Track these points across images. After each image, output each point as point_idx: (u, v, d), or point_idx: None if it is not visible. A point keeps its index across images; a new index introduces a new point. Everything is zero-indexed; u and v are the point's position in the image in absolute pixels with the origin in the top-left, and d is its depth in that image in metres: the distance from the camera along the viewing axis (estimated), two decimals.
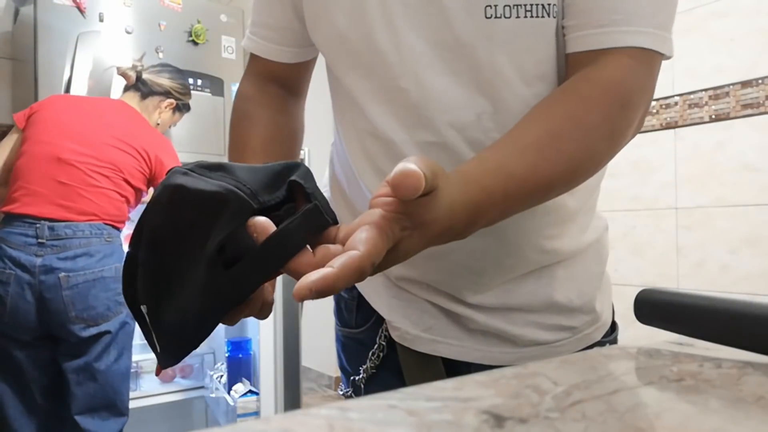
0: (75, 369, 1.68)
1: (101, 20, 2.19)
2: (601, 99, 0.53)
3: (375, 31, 0.60)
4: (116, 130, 1.77)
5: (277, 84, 0.75)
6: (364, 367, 0.74)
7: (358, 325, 0.76)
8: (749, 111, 1.88)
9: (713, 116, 1.97)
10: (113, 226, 1.73)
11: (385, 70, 0.60)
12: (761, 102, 1.85)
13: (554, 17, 0.56)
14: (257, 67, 0.75)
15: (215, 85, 2.44)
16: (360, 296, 0.74)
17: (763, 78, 1.84)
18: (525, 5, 0.55)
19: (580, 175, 0.54)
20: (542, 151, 0.50)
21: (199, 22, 2.40)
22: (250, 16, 0.75)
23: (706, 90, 1.96)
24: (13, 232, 1.62)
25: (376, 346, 0.73)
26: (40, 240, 1.62)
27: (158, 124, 1.94)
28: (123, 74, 1.92)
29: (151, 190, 1.87)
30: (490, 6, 0.55)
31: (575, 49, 0.56)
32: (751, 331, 0.40)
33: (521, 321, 0.66)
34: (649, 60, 0.55)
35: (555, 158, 0.50)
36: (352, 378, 0.76)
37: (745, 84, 1.88)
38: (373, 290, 0.72)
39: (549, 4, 0.55)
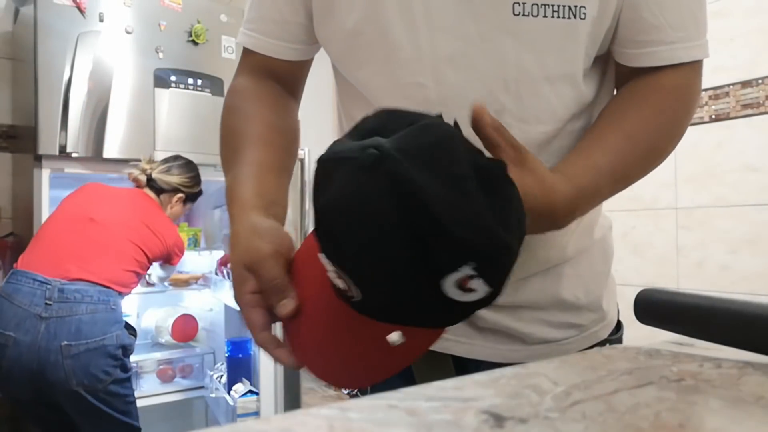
0: (82, 421, 1.70)
1: (101, 20, 2.19)
2: (671, 106, 0.62)
3: (391, 24, 0.59)
4: (145, 215, 1.92)
5: (274, 80, 0.72)
6: None
7: None
8: (749, 111, 1.88)
9: (713, 116, 1.97)
10: (119, 293, 1.76)
11: (402, 66, 0.60)
12: (761, 102, 1.85)
13: (582, 19, 0.58)
14: (253, 63, 0.71)
15: (215, 85, 2.44)
16: None
17: (763, 78, 1.84)
18: (552, 5, 0.56)
19: (650, 169, 0.63)
20: (621, 152, 0.59)
21: (199, 22, 2.40)
22: (247, 8, 0.71)
23: (706, 90, 1.96)
24: (22, 290, 1.60)
25: None
26: (47, 301, 1.59)
27: (171, 216, 2.08)
28: (134, 180, 2.04)
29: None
30: (518, 3, 0.56)
31: (646, 63, 0.62)
32: (751, 331, 0.40)
33: (530, 318, 0.67)
34: (701, 66, 0.64)
35: (632, 157, 0.60)
36: None
37: (745, 84, 1.88)
38: None
39: (576, 6, 0.57)
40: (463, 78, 0.59)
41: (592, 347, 0.70)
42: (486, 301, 0.44)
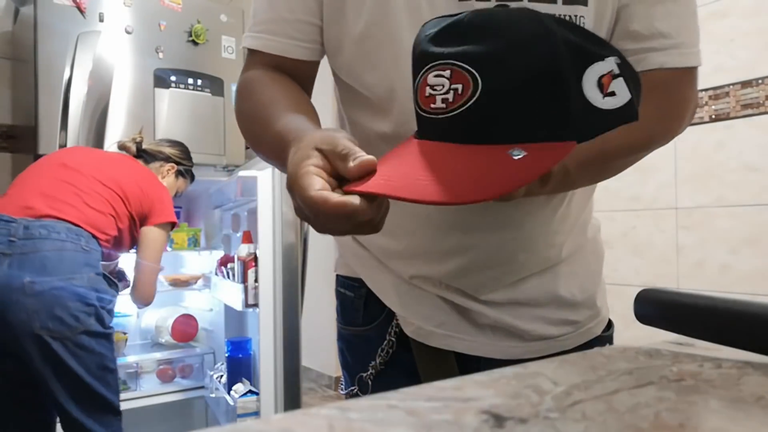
0: (51, 380, 1.47)
1: (101, 20, 2.19)
2: (659, 98, 0.64)
3: (400, 29, 0.61)
4: (126, 166, 1.81)
5: (286, 75, 0.71)
6: (373, 363, 0.74)
7: (366, 323, 0.76)
8: (749, 111, 1.88)
9: (713, 116, 1.97)
10: (94, 236, 1.61)
11: (410, 69, 0.61)
12: (761, 102, 1.85)
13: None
14: (263, 61, 0.70)
15: (215, 85, 2.44)
16: (368, 295, 0.75)
17: (763, 78, 1.84)
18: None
19: (631, 157, 0.67)
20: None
21: (199, 22, 2.40)
22: (252, 14, 0.71)
23: (706, 90, 1.96)
24: None
25: (385, 342, 0.74)
26: (11, 238, 1.46)
27: None
28: (123, 147, 1.96)
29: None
30: None
31: (639, 68, 0.63)
32: (751, 331, 0.40)
33: (529, 316, 0.69)
34: (695, 74, 0.67)
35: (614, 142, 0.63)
36: (359, 375, 0.77)
37: (745, 84, 1.88)
38: (384, 288, 0.73)
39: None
40: None
41: (587, 343, 0.73)
42: (621, 114, 0.46)
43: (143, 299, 1.87)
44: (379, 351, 0.74)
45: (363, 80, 0.66)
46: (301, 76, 0.72)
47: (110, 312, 1.59)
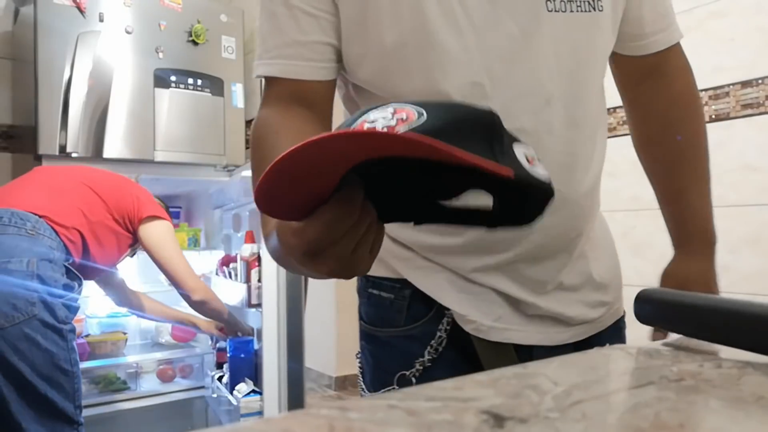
0: None
1: (101, 20, 2.19)
2: (693, 88, 0.86)
3: (437, 32, 0.63)
4: (101, 171, 1.83)
5: (304, 106, 0.70)
6: (420, 360, 0.74)
7: (408, 323, 0.76)
8: (749, 111, 1.87)
9: (713, 116, 1.96)
10: (49, 221, 1.50)
11: (454, 69, 0.64)
12: (761, 102, 1.85)
13: (600, 11, 0.68)
14: (279, 92, 0.70)
15: (215, 85, 2.44)
16: (412, 295, 0.75)
17: (763, 78, 1.84)
18: (576, 1, 0.66)
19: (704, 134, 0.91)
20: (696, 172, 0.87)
21: (199, 22, 2.40)
22: (259, 42, 0.70)
23: (706, 90, 1.96)
24: None
25: (434, 339, 0.74)
26: None
27: None
28: None
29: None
30: (550, 0, 0.65)
31: (652, 50, 0.77)
32: (751, 331, 0.40)
33: (569, 301, 0.74)
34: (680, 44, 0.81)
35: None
36: (400, 374, 0.76)
37: (745, 84, 1.88)
38: (439, 288, 0.74)
39: (595, 0, 0.67)
40: (514, 72, 0.65)
41: (616, 323, 0.79)
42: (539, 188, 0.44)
43: (195, 292, 1.88)
44: (428, 348, 0.74)
45: (397, 89, 0.66)
46: (320, 99, 0.71)
47: (68, 307, 1.45)
